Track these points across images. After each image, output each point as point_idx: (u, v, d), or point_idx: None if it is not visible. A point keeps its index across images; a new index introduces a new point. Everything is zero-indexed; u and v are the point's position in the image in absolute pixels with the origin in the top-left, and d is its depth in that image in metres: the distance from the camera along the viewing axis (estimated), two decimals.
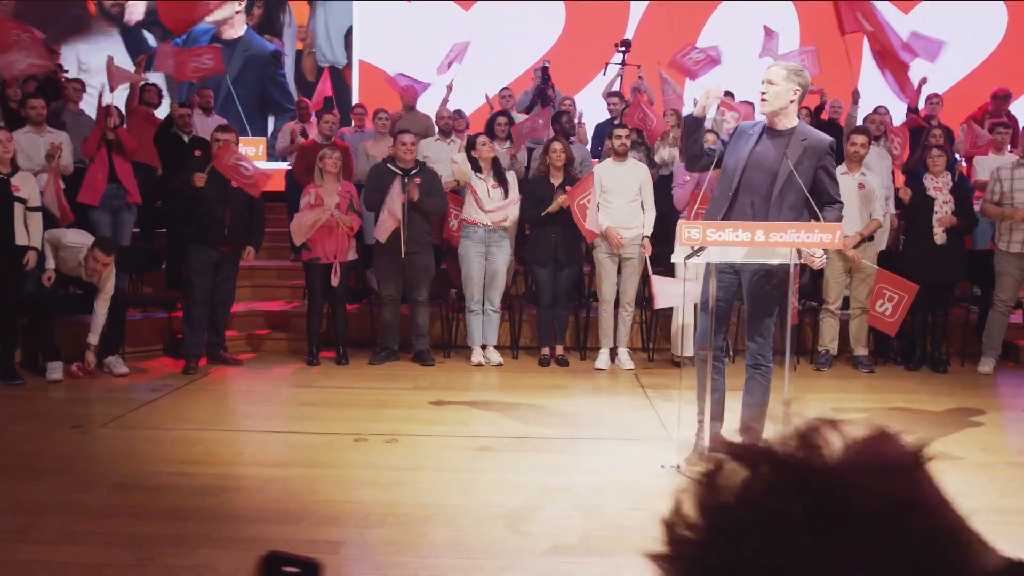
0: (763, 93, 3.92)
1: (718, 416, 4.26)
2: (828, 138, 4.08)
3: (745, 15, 9.67)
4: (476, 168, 6.46)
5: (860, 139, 6.12)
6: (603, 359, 6.48)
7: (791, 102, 3.92)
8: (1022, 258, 6.08)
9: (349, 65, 10.46)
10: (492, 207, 6.32)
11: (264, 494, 3.70)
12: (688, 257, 3.80)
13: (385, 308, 6.52)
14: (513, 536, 3.28)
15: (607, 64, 9.25)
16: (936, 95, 8.07)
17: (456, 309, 7.02)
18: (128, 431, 4.66)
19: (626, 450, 4.42)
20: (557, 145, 6.43)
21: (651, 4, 10.47)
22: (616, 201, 6.27)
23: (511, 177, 6.56)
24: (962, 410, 5.32)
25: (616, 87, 9.15)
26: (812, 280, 6.63)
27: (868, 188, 6.16)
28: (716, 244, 3.61)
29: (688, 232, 3.59)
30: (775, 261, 3.86)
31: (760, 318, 4.07)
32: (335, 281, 6.34)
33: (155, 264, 7.18)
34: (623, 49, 9.10)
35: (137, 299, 6.81)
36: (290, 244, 8.49)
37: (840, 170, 5.38)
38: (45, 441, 4.45)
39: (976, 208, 6.45)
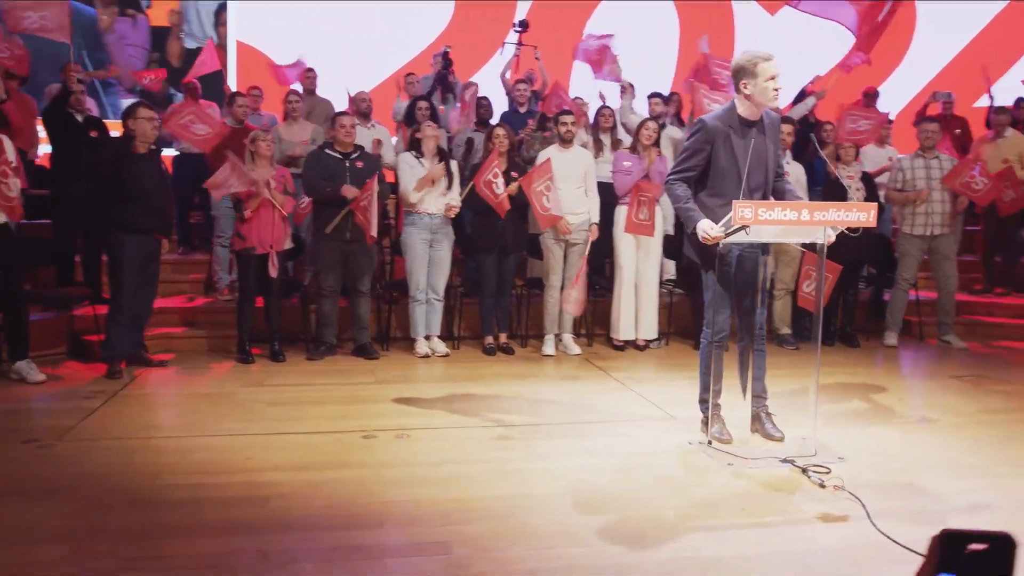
0: (777, 89, 4.03)
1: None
2: (776, 114, 4.27)
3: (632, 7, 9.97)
4: (420, 154, 6.25)
5: (787, 128, 6.49)
6: (550, 345, 6.48)
7: None
8: (924, 239, 6.71)
9: (222, 45, 9.74)
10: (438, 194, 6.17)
11: (316, 500, 3.39)
12: (728, 235, 3.87)
13: (325, 301, 6.17)
14: (613, 521, 3.21)
15: (504, 44, 9.20)
16: (817, 92, 8.69)
17: (385, 300, 6.77)
18: (96, 443, 4.11)
19: (640, 431, 4.45)
20: (500, 131, 6.33)
21: None
22: (563, 188, 6.27)
23: (454, 165, 6.41)
24: (901, 379, 5.82)
25: (510, 71, 9.12)
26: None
27: (793, 175, 6.55)
28: (768, 223, 3.69)
29: (741, 212, 3.65)
30: (806, 240, 4.03)
31: (764, 296, 4.24)
32: (273, 272, 5.92)
33: (47, 259, 6.35)
34: (520, 29, 9.07)
35: (39, 297, 6.00)
36: (179, 237, 7.89)
37: None
38: (2, 459, 3.84)
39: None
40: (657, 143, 6.56)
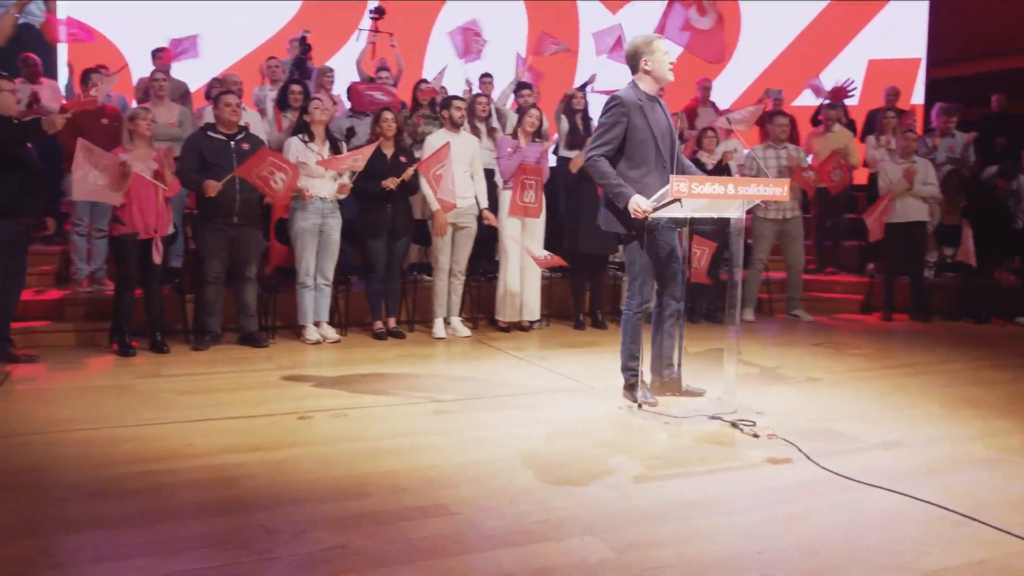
0: (672, 63, 4.38)
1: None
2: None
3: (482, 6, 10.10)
4: (309, 137, 6.09)
5: None
6: (440, 328, 6.52)
7: None
8: (776, 222, 7.38)
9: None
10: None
11: (288, 477, 3.29)
12: (657, 209, 4.13)
13: (209, 288, 5.88)
14: (591, 475, 3.36)
15: (359, 30, 9.07)
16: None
17: (265, 287, 6.53)
18: (7, 439, 3.74)
19: (569, 401, 4.61)
20: (388, 115, 6.30)
21: None
22: (452, 171, 6.33)
23: (344, 147, 6.31)
24: (770, 348, 6.37)
25: (365, 58, 9.01)
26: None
27: None
28: (701, 197, 3.98)
29: (678, 186, 3.91)
30: (722, 215, 4.36)
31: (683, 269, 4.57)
32: (158, 258, 5.57)
33: None
34: (375, 16, 8.99)
35: None
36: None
37: None
38: None
39: None
40: (539, 131, 6.78)
